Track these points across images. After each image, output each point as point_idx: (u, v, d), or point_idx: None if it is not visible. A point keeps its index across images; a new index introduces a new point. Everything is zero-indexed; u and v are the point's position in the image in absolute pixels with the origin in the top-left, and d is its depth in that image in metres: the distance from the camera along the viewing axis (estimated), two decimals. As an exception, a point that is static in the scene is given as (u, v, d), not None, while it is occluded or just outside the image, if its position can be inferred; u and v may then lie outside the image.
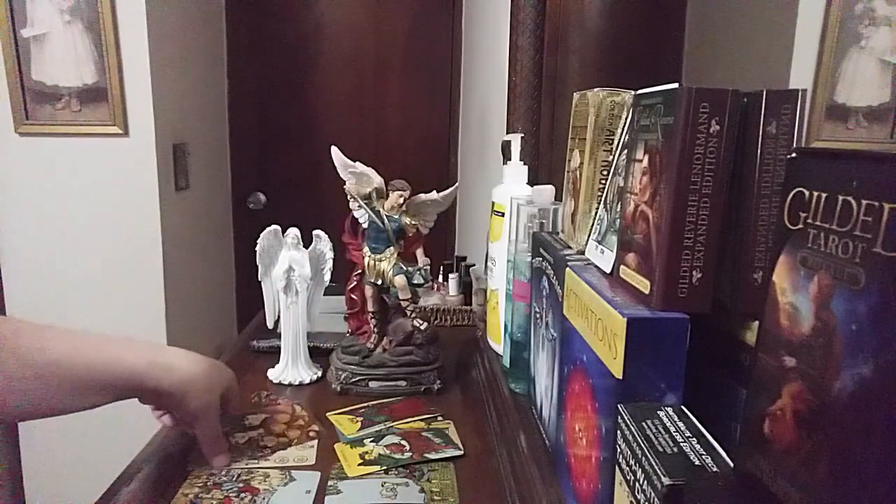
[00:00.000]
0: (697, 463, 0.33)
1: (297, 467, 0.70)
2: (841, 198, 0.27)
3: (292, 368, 0.94)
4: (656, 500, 0.33)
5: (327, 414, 0.82)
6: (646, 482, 0.34)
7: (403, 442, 0.75)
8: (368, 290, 0.91)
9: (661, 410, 0.39)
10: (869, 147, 0.74)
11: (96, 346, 0.61)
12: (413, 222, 0.88)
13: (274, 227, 0.93)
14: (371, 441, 0.75)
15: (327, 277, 0.94)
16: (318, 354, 0.98)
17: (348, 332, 0.96)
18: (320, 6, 2.32)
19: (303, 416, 0.80)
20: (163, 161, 1.77)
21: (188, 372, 0.65)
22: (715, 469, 0.33)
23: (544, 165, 1.10)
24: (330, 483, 0.67)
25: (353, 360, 0.90)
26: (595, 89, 0.59)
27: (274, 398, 0.87)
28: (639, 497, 0.35)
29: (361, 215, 0.88)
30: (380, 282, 0.89)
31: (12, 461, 1.86)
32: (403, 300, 0.89)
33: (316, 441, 0.75)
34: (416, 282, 0.88)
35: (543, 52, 1.10)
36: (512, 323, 0.77)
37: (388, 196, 0.87)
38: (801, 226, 0.30)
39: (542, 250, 0.65)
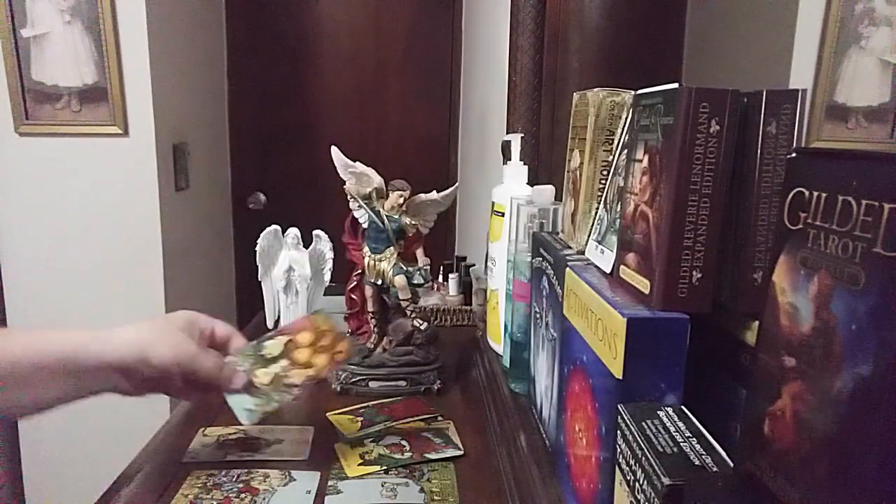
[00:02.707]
0: (697, 463, 0.33)
1: (289, 463, 0.70)
2: (841, 198, 0.27)
3: (292, 368, 0.94)
4: (656, 500, 0.33)
5: (327, 414, 0.82)
6: (646, 482, 0.34)
7: (403, 442, 0.75)
8: (368, 290, 0.91)
9: (661, 410, 0.39)
10: (869, 147, 0.74)
11: (26, 338, 0.59)
12: (413, 222, 0.88)
13: (274, 227, 0.93)
14: (371, 441, 0.75)
15: (327, 277, 0.94)
16: (318, 354, 0.98)
17: (348, 332, 0.96)
18: (320, 6, 2.32)
19: (327, 332, 0.70)
20: (163, 161, 1.77)
21: (134, 335, 0.61)
22: (715, 469, 0.33)
23: (544, 165, 1.10)
24: (330, 483, 0.67)
25: (353, 360, 0.90)
26: (595, 89, 0.59)
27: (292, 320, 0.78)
28: (639, 497, 0.35)
29: (361, 215, 0.88)
30: (380, 282, 0.89)
31: (12, 461, 1.86)
32: (403, 300, 0.89)
33: (312, 430, 0.72)
34: (416, 282, 0.88)
35: (543, 52, 1.09)
36: (512, 323, 0.77)
37: (388, 196, 0.87)
38: (801, 226, 0.30)
39: (542, 250, 0.65)
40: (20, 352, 0.57)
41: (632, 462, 0.37)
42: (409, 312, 0.90)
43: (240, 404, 0.64)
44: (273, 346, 0.68)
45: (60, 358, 0.58)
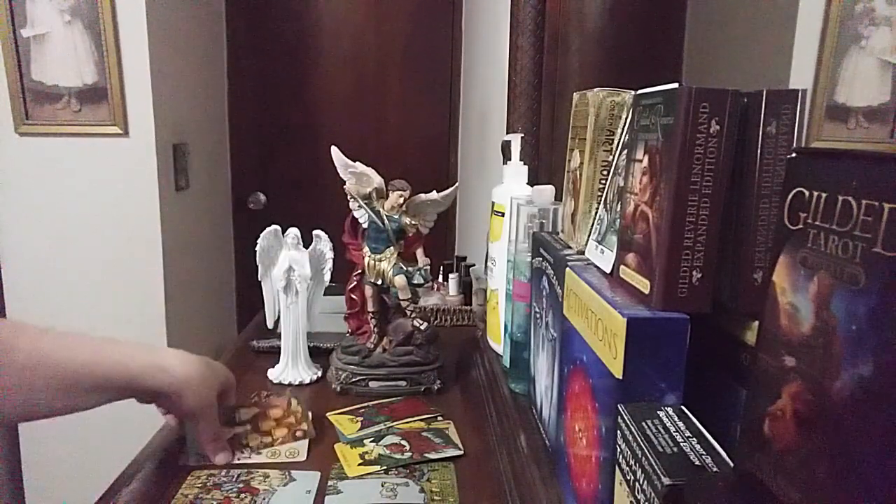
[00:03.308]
0: (697, 463, 0.33)
1: (289, 464, 0.70)
2: (841, 198, 0.27)
3: (292, 368, 0.94)
4: (656, 500, 0.33)
5: (327, 414, 0.82)
6: (646, 482, 0.34)
7: (403, 442, 0.75)
8: (368, 290, 0.91)
9: (661, 410, 0.39)
10: (869, 147, 0.74)
11: (93, 348, 0.61)
12: (413, 222, 0.88)
13: (274, 227, 0.93)
14: (371, 441, 0.75)
15: (327, 277, 0.94)
16: (318, 354, 0.98)
17: (348, 332, 0.96)
18: (320, 6, 2.32)
19: (296, 413, 0.78)
20: (163, 161, 1.77)
21: (183, 371, 0.65)
22: (715, 469, 0.33)
23: (544, 165, 1.10)
24: (330, 483, 0.67)
25: (353, 360, 0.90)
26: (595, 89, 0.59)
27: (272, 396, 0.86)
28: (639, 497, 0.35)
29: (361, 215, 0.88)
30: (380, 282, 0.89)
31: (12, 461, 1.86)
32: (403, 300, 0.89)
33: (306, 440, 0.75)
34: (416, 282, 0.88)
35: (543, 52, 1.10)
36: (512, 323, 0.77)
37: (388, 196, 0.87)
38: (801, 226, 0.30)
39: (542, 250, 0.65)
40: (82, 365, 0.59)
41: (632, 462, 0.37)
42: (409, 312, 0.90)
43: (193, 448, 0.72)
44: (245, 413, 0.76)
45: (124, 381, 0.61)
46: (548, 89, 1.11)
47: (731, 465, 0.33)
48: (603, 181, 0.58)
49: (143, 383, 0.63)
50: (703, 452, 0.34)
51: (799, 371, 0.29)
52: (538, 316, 0.66)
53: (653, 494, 0.33)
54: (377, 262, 0.88)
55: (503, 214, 0.85)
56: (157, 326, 1.79)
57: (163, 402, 0.69)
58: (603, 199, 0.57)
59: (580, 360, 0.49)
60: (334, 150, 0.88)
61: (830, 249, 0.28)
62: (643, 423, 0.37)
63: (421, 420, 0.81)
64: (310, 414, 0.78)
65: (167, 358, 0.66)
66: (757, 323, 0.34)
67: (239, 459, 0.71)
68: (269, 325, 0.97)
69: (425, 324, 0.91)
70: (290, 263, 0.91)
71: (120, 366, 0.62)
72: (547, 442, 0.62)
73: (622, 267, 0.48)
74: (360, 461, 0.71)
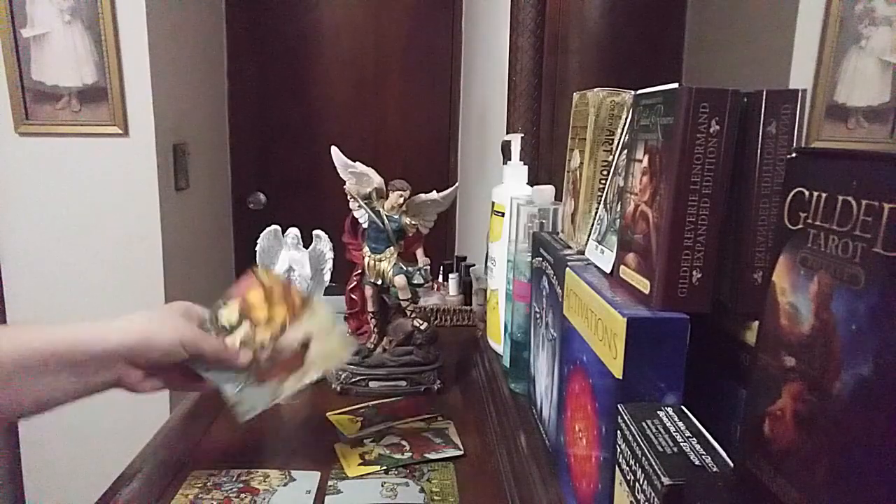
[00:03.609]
0: (697, 463, 0.33)
1: (291, 462, 0.70)
2: (841, 198, 0.27)
3: (292, 368, 0.94)
4: (656, 500, 0.33)
5: (327, 414, 0.82)
6: (646, 482, 0.34)
7: (403, 442, 0.75)
8: (368, 290, 0.91)
9: (661, 410, 0.39)
10: (869, 147, 0.74)
11: (46, 329, 0.59)
12: (413, 222, 0.88)
13: (274, 227, 0.93)
14: (371, 441, 0.75)
15: (327, 277, 0.94)
16: (318, 354, 0.98)
17: (348, 332, 0.96)
18: (320, 6, 2.32)
19: (274, 284, 0.68)
20: (163, 161, 1.77)
21: (134, 320, 0.61)
22: (715, 469, 0.33)
23: (544, 165, 1.10)
24: (330, 483, 0.67)
25: (353, 360, 0.90)
26: (595, 89, 0.59)
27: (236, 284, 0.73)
28: (639, 497, 0.35)
29: (361, 215, 0.88)
30: (380, 282, 0.89)
31: (12, 461, 1.86)
32: (403, 300, 0.89)
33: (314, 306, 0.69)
34: (416, 282, 0.88)
35: (543, 52, 1.10)
36: (512, 323, 0.77)
37: (388, 196, 0.87)
38: (801, 226, 0.30)
39: (542, 250, 0.65)
40: (24, 346, 0.56)
41: (632, 462, 0.37)
42: (409, 312, 0.90)
43: (239, 397, 0.65)
44: (229, 313, 0.66)
45: (66, 348, 0.57)
46: (548, 89, 1.11)
47: (731, 465, 0.33)
48: (603, 181, 0.58)
49: (96, 346, 0.59)
50: (703, 452, 0.34)
51: (799, 371, 0.29)
52: (538, 316, 0.66)
53: (653, 494, 0.33)
54: (377, 262, 0.88)
55: (503, 214, 0.85)
56: (157, 326, 1.79)
57: (148, 375, 0.62)
58: (603, 199, 0.57)
59: (580, 360, 0.49)
60: (334, 150, 0.88)
61: (830, 249, 0.28)
62: (643, 423, 0.37)
63: (421, 420, 0.81)
64: (289, 278, 0.70)
65: (116, 319, 0.62)
66: (757, 323, 0.34)
67: (263, 360, 0.64)
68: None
69: (425, 324, 0.91)
70: (290, 263, 0.91)
71: (59, 334, 0.58)
72: (547, 442, 0.62)
73: (622, 267, 0.48)
74: (360, 461, 0.71)
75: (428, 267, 0.89)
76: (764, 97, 0.40)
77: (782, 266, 0.31)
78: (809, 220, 0.29)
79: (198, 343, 0.62)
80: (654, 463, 0.34)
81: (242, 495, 0.64)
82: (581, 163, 0.61)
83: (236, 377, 0.64)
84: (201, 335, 0.63)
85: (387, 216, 0.87)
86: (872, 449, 0.25)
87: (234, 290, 0.68)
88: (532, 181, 0.86)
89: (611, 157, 0.57)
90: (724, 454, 0.34)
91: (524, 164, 0.88)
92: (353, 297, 0.93)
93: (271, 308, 0.67)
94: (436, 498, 0.65)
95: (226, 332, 0.65)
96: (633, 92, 0.52)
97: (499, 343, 0.88)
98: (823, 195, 0.29)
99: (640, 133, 0.47)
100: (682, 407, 0.40)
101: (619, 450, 0.39)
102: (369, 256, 0.89)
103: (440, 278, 1.40)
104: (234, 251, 2.41)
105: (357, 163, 0.88)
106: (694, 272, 0.42)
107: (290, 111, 2.36)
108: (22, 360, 0.56)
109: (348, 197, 0.87)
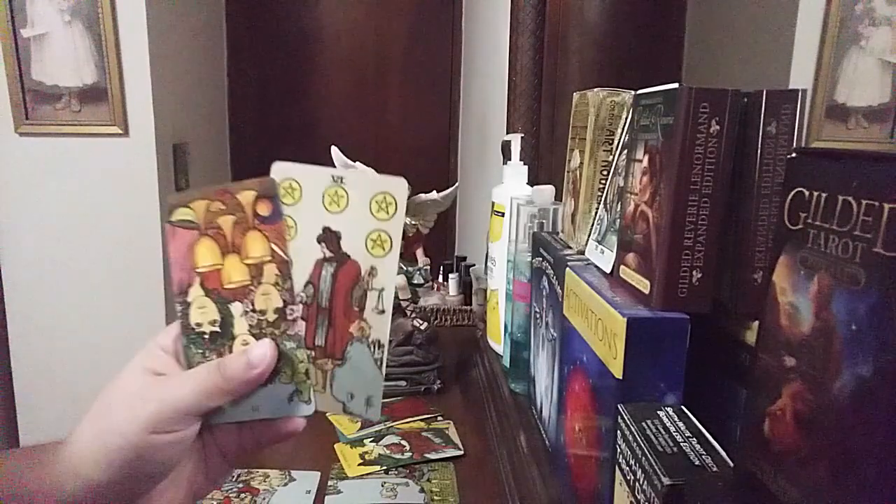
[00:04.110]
0: (697, 463, 0.33)
1: (291, 461, 0.70)
2: (841, 198, 0.27)
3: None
4: (656, 500, 0.33)
5: (327, 414, 0.82)
6: (646, 482, 0.34)
7: (403, 442, 0.75)
8: (368, 290, 0.91)
9: (661, 410, 0.39)
10: (869, 147, 0.74)
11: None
12: (413, 222, 0.88)
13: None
14: (371, 441, 0.75)
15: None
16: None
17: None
18: (320, 6, 2.32)
19: (214, 210, 0.39)
20: (163, 161, 1.77)
21: (85, 432, 0.37)
22: (715, 469, 0.33)
23: (544, 165, 1.10)
24: (330, 483, 0.67)
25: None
26: (595, 89, 0.59)
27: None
28: (639, 497, 0.35)
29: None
30: (380, 282, 0.89)
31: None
32: (403, 300, 0.89)
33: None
34: (416, 282, 0.88)
35: (543, 52, 1.10)
36: (512, 323, 0.77)
37: (388, 196, 0.87)
38: (801, 226, 0.30)
39: (542, 250, 0.65)
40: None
41: (632, 462, 0.37)
42: (409, 312, 0.90)
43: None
44: (196, 308, 0.39)
45: None
46: (548, 89, 1.11)
47: (731, 465, 0.33)
48: (603, 181, 0.58)
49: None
50: (703, 452, 0.34)
51: (799, 371, 0.29)
52: (538, 316, 0.66)
53: (653, 494, 0.33)
54: (377, 262, 0.88)
55: (503, 214, 0.84)
56: (156, 326, 1.79)
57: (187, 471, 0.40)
58: (603, 199, 0.57)
59: (580, 360, 0.49)
60: (334, 150, 0.88)
61: (830, 249, 0.28)
62: (643, 423, 0.37)
63: (421, 420, 0.81)
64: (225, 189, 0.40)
65: (61, 445, 0.37)
66: (757, 323, 0.34)
67: (297, 332, 0.39)
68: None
69: (425, 324, 0.91)
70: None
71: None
72: (547, 442, 0.62)
73: (622, 267, 0.48)
74: (360, 461, 0.71)
75: (428, 267, 0.89)
76: (764, 97, 0.40)
77: (782, 266, 0.31)
78: (809, 220, 0.29)
79: (180, 404, 0.36)
80: (654, 463, 0.34)
81: (242, 495, 0.64)
82: (581, 163, 0.61)
83: (287, 386, 0.40)
84: (176, 391, 0.37)
85: (387, 216, 0.87)
86: (872, 449, 0.25)
87: (175, 269, 0.39)
88: (532, 181, 0.86)
89: (611, 157, 0.57)
90: (724, 454, 0.34)
91: (524, 164, 0.88)
92: (353, 297, 0.93)
93: (244, 250, 0.39)
94: (436, 498, 0.65)
95: (215, 338, 0.39)
96: (633, 92, 0.52)
97: (499, 343, 0.88)
98: (823, 195, 0.29)
99: (640, 133, 0.47)
100: (682, 407, 0.40)
101: (619, 450, 0.39)
102: (369, 256, 0.89)
103: (440, 278, 1.39)
104: (234, 251, 2.41)
105: (357, 163, 0.88)
106: (694, 272, 0.42)
107: (290, 111, 2.36)
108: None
109: (348, 197, 0.87)
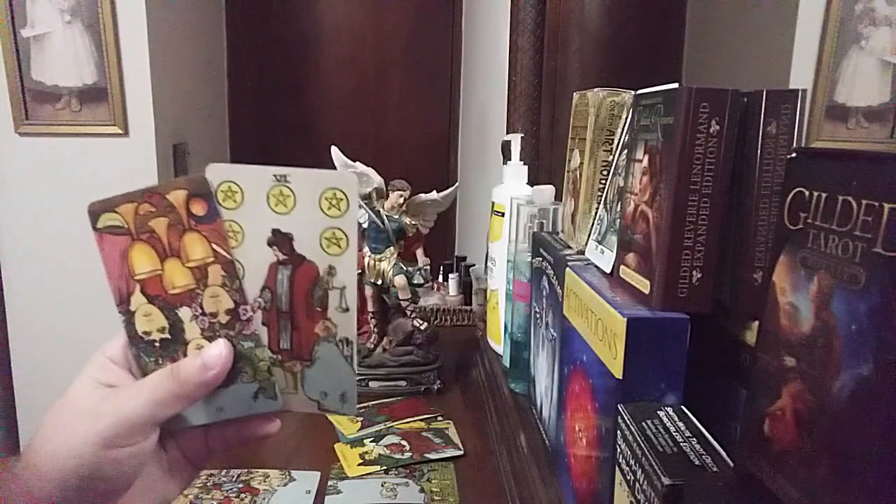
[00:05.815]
0: (697, 463, 0.33)
1: (291, 461, 0.70)
2: (841, 198, 0.27)
3: (292, 368, 0.93)
4: (656, 500, 0.33)
5: (327, 414, 0.82)
6: (646, 482, 0.34)
7: (403, 442, 0.75)
8: (368, 290, 0.91)
9: (661, 410, 0.39)
10: (869, 147, 0.74)
11: None
12: (413, 222, 0.88)
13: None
14: (371, 441, 0.75)
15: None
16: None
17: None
18: (320, 6, 2.32)
19: (143, 212, 0.39)
20: (163, 161, 1.77)
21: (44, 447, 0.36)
22: (715, 469, 0.33)
23: (544, 165, 1.10)
24: (330, 483, 0.67)
25: (353, 360, 0.90)
26: (595, 89, 0.59)
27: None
28: (639, 497, 0.35)
29: (361, 215, 0.88)
30: (380, 282, 0.89)
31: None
32: (403, 300, 0.89)
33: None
34: (416, 282, 0.88)
35: (543, 52, 1.09)
36: (512, 323, 0.77)
37: (388, 196, 0.87)
38: (801, 226, 0.30)
39: (542, 250, 0.65)
40: None
41: (632, 462, 0.37)
42: (409, 312, 0.90)
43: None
44: (141, 317, 0.40)
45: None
46: (548, 89, 1.11)
47: (731, 465, 0.33)
48: (603, 181, 0.58)
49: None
50: (703, 452, 0.34)
51: (799, 371, 0.29)
52: (538, 316, 0.66)
53: (653, 494, 0.33)
54: (377, 262, 0.88)
55: (503, 214, 0.84)
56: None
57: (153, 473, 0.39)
58: (603, 199, 0.57)
59: (580, 360, 0.49)
60: (334, 150, 0.88)
61: (830, 249, 0.28)
62: (643, 423, 0.37)
63: (421, 420, 0.81)
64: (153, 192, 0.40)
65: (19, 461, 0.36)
66: (757, 323, 0.34)
67: (255, 330, 0.38)
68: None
69: (425, 324, 0.91)
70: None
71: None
72: (547, 442, 0.62)
73: (622, 267, 0.48)
74: (360, 461, 0.71)
75: (428, 267, 0.89)
76: (764, 97, 0.40)
77: (782, 266, 0.31)
78: (809, 220, 0.29)
79: (135, 417, 0.35)
80: (654, 463, 0.34)
81: (242, 495, 0.64)
82: (581, 163, 0.61)
83: (250, 385, 0.39)
84: (130, 403, 0.36)
85: (387, 216, 0.87)
86: (872, 449, 0.25)
87: (111, 278, 0.40)
88: (532, 181, 0.86)
89: (611, 157, 0.57)
90: (724, 454, 0.34)
91: (524, 164, 0.88)
92: (353, 297, 0.93)
93: (184, 253, 0.38)
94: (436, 498, 0.65)
95: (167, 345, 0.39)
96: (633, 92, 0.52)
97: (499, 343, 0.88)
98: (823, 195, 0.29)
99: (640, 133, 0.47)
100: (682, 407, 0.40)
101: (619, 450, 0.39)
102: (369, 256, 0.89)
103: (440, 278, 1.40)
104: (234, 251, 2.41)
105: (357, 163, 0.88)
106: (694, 272, 0.42)
107: (290, 111, 2.36)
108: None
109: (348, 197, 0.87)
